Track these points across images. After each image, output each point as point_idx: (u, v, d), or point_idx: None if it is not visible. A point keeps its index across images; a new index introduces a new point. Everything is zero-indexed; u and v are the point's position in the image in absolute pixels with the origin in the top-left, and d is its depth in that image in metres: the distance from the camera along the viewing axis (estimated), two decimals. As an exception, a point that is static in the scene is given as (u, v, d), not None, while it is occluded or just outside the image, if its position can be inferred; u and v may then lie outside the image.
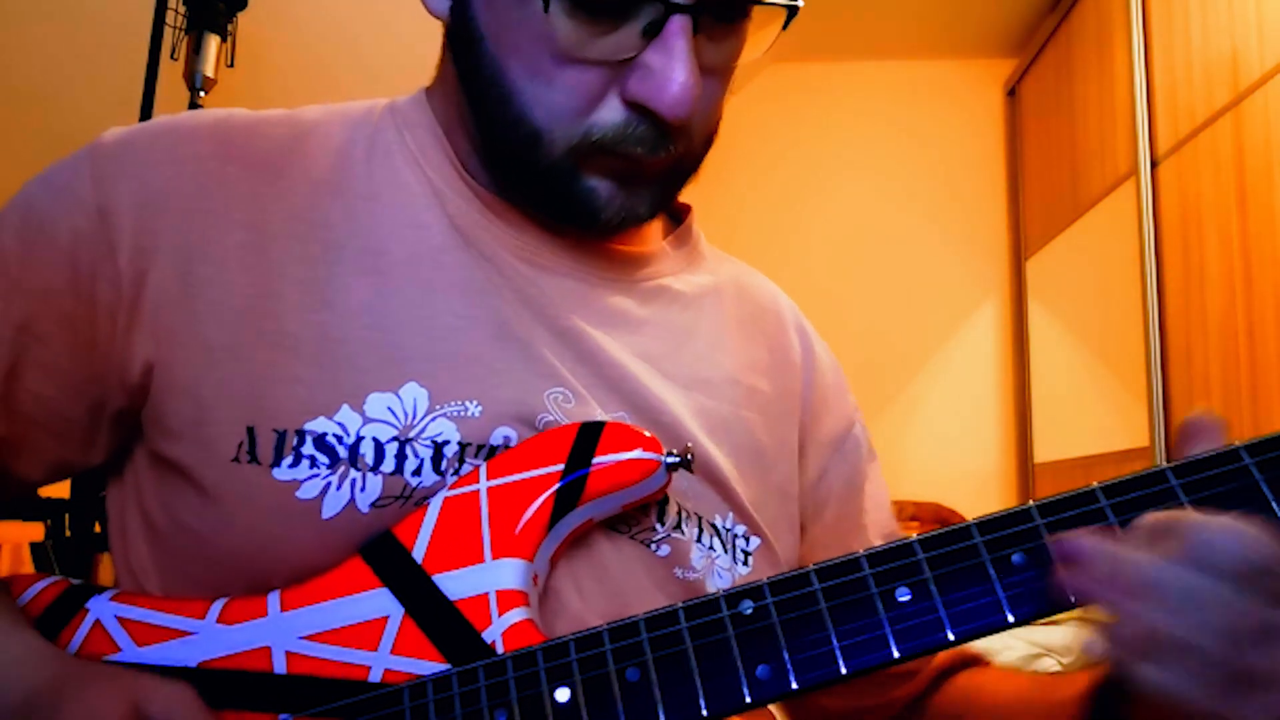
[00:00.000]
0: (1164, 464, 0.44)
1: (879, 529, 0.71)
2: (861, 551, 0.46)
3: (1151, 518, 0.42)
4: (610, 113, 0.52)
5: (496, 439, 0.53)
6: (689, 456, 0.53)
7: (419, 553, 0.49)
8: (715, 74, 0.55)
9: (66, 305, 0.53)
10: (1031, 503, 0.45)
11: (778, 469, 0.64)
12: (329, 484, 0.50)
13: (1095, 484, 0.45)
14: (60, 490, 2.00)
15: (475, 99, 0.56)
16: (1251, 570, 0.40)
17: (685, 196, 0.72)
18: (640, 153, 0.53)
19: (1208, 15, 2.21)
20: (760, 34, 0.56)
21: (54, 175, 0.55)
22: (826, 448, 0.69)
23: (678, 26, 0.50)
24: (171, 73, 2.00)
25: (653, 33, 0.50)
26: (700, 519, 0.58)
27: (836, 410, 0.71)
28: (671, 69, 0.50)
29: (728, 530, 0.59)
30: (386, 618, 0.49)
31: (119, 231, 0.53)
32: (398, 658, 0.48)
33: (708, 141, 0.58)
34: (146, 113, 1.95)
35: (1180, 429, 0.46)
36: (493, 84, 0.54)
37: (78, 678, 0.47)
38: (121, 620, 0.51)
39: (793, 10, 0.54)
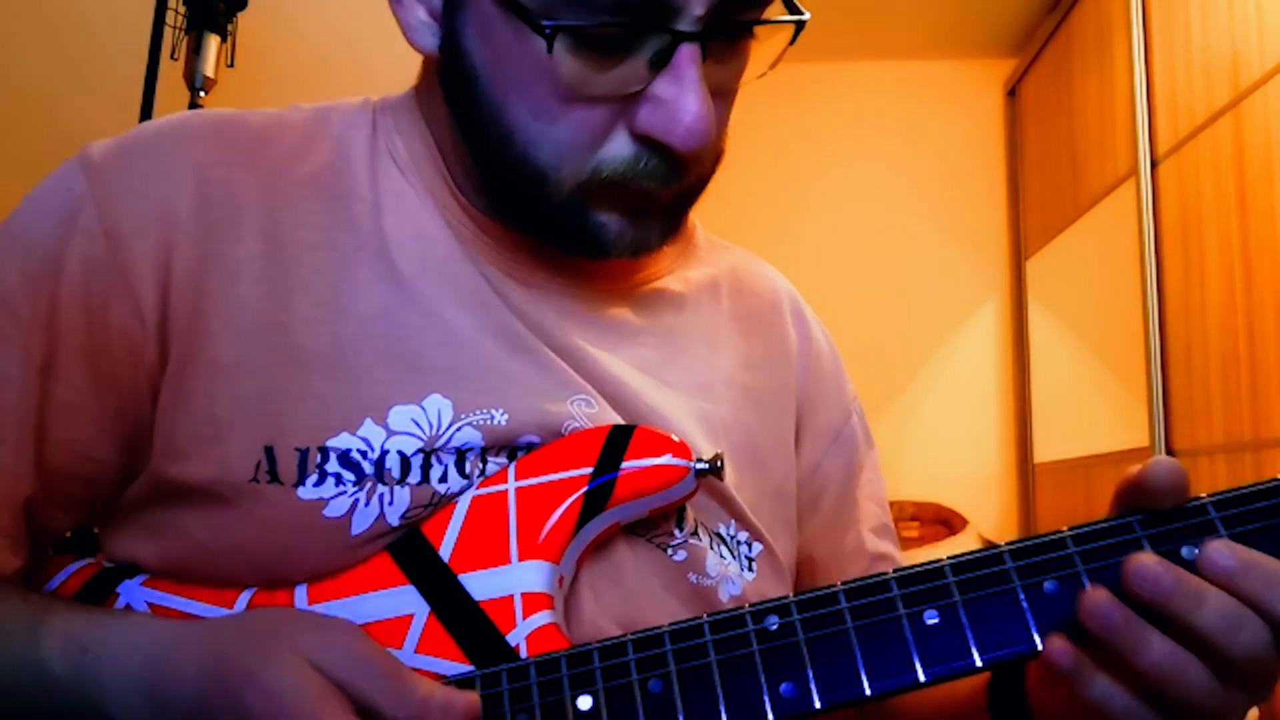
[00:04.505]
0: (1203, 497, 0.44)
1: (870, 521, 0.70)
2: (891, 572, 0.45)
3: (1230, 552, 0.42)
4: (619, 148, 0.51)
5: (521, 443, 0.53)
6: (719, 464, 0.52)
7: (446, 551, 0.49)
8: (722, 95, 0.53)
9: (83, 339, 0.51)
10: (1066, 530, 0.45)
11: (775, 469, 0.64)
12: (356, 501, 0.50)
13: (1132, 516, 0.44)
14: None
15: (473, 136, 0.54)
16: None
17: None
18: (652, 186, 0.51)
19: (1208, 15, 2.21)
20: (763, 49, 0.54)
21: (47, 200, 0.52)
22: (823, 438, 0.69)
23: (687, 55, 0.48)
24: (171, 73, 2.00)
25: (660, 63, 0.48)
26: (707, 528, 0.58)
27: (834, 400, 0.71)
28: (684, 100, 0.48)
29: (732, 538, 0.59)
30: (412, 615, 0.48)
31: (131, 254, 0.51)
32: (422, 656, 0.48)
33: (716, 162, 0.57)
34: (146, 113, 1.94)
35: (1142, 480, 0.44)
36: (492, 123, 0.52)
37: (240, 656, 0.42)
38: (152, 606, 0.51)
39: (800, 25, 0.53)
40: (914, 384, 3.30)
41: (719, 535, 0.58)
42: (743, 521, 0.60)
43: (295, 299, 0.52)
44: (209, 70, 2.02)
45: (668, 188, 0.52)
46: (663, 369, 0.60)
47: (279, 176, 0.55)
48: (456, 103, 0.55)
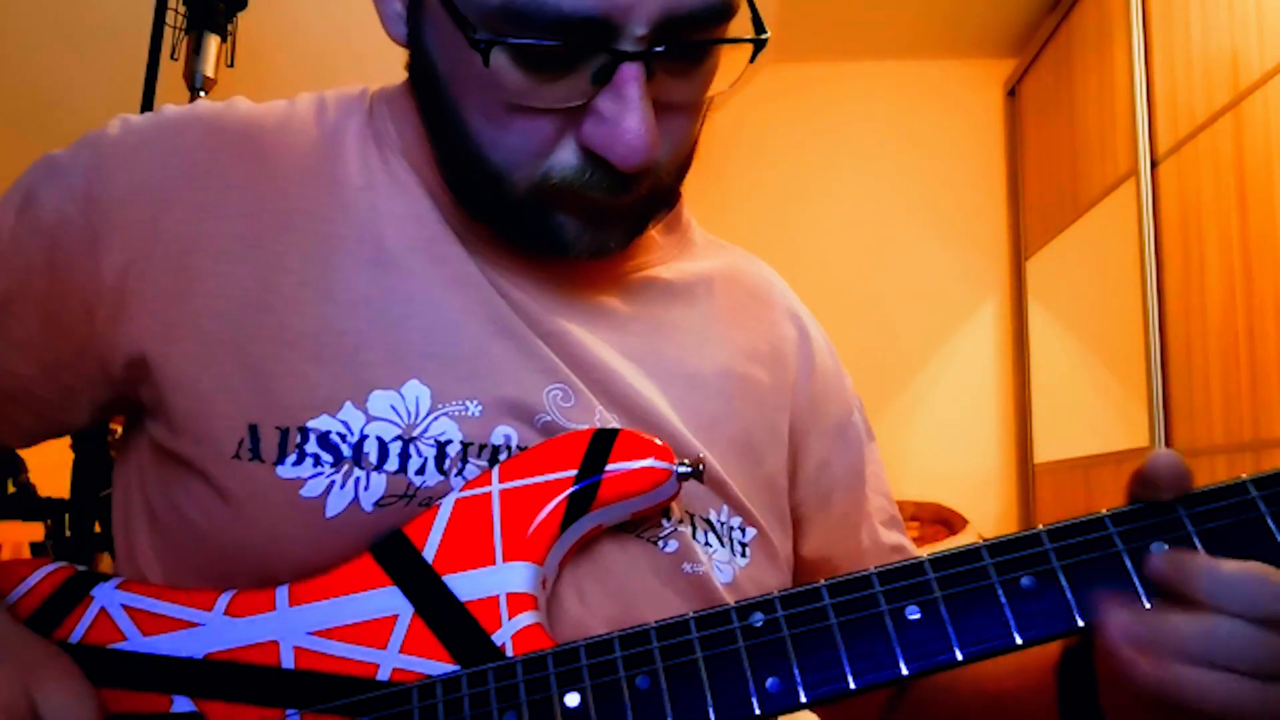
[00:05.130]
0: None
1: (881, 515, 0.71)
2: (873, 569, 0.46)
3: (1166, 562, 0.43)
4: (567, 155, 0.51)
5: (497, 438, 0.53)
6: (700, 467, 0.53)
7: (430, 553, 0.49)
8: (682, 110, 0.53)
9: (43, 286, 0.54)
10: (1041, 527, 0.46)
11: (768, 461, 0.64)
12: (333, 482, 0.50)
13: (1104, 511, 0.45)
14: (60, 490, 2.00)
15: (437, 132, 0.55)
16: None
17: (684, 194, 0.71)
18: (602, 196, 0.51)
19: (1208, 15, 2.21)
20: (741, 58, 0.54)
21: (56, 159, 0.56)
22: (829, 435, 0.69)
23: (629, 74, 0.47)
24: (171, 73, 2.00)
25: (603, 80, 0.48)
26: (693, 517, 0.58)
27: (836, 396, 0.70)
28: (624, 119, 0.48)
29: (723, 524, 0.59)
30: (396, 616, 0.49)
31: (105, 223, 0.53)
32: (407, 657, 0.48)
33: (680, 171, 0.57)
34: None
35: (1144, 474, 0.45)
36: (452, 122, 0.53)
37: None
38: (128, 609, 0.51)
39: (760, 44, 0.52)
40: (914, 384, 3.30)
41: (707, 522, 0.58)
42: (736, 507, 0.60)
43: (281, 279, 0.53)
44: (209, 70, 2.03)
45: (617, 198, 0.52)
46: (650, 357, 0.60)
47: (271, 160, 0.56)
48: (423, 99, 0.56)
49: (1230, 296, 2.10)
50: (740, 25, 0.53)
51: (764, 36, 0.52)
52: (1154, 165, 2.42)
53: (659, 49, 0.48)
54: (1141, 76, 2.45)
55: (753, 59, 0.53)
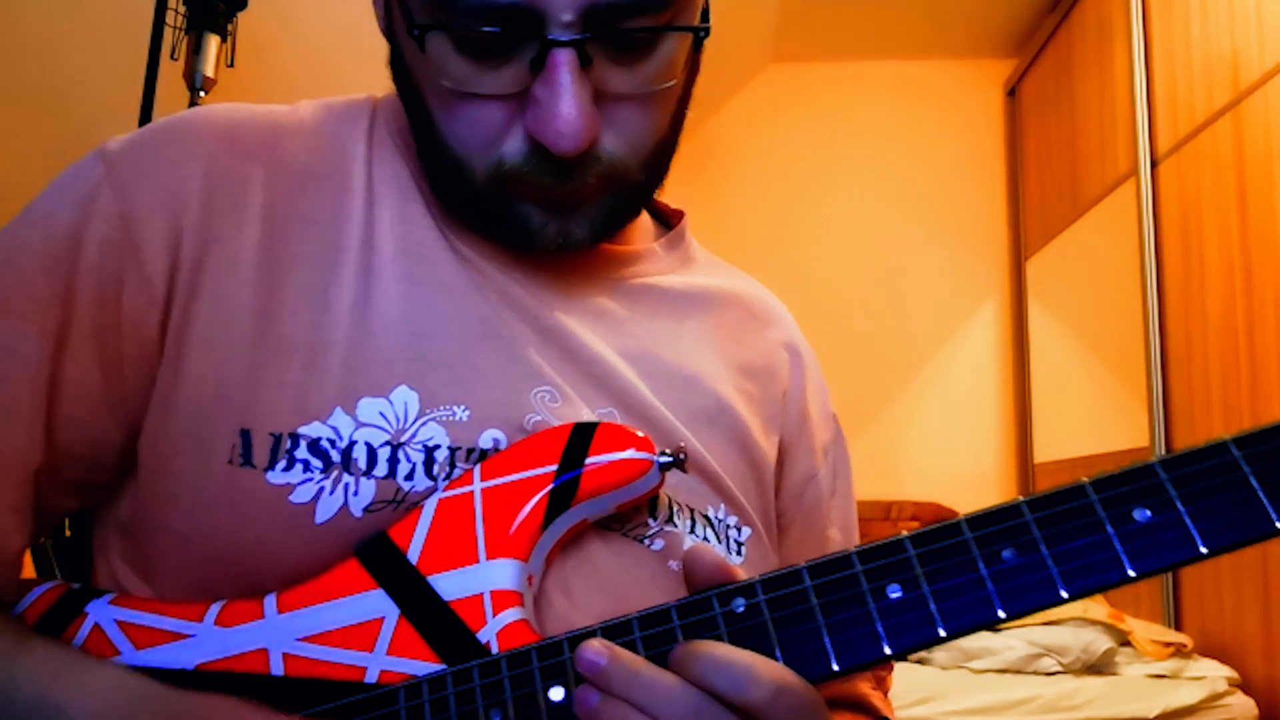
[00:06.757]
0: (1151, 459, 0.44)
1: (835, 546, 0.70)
2: (853, 549, 0.46)
3: (682, 647, 0.44)
4: (516, 143, 0.52)
5: (485, 442, 0.53)
6: (681, 456, 0.53)
7: (414, 554, 0.49)
8: (632, 100, 0.53)
9: (95, 319, 0.53)
10: (1021, 498, 0.45)
11: (762, 465, 0.64)
12: (322, 488, 0.50)
13: (1085, 479, 0.45)
14: (60, 490, 2.00)
15: (413, 122, 0.57)
16: (758, 701, 0.42)
17: (684, 193, 0.71)
18: (549, 184, 0.52)
19: (1208, 15, 2.21)
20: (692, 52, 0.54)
21: (68, 187, 0.55)
22: (815, 454, 0.69)
23: (559, 59, 0.49)
24: (171, 73, 2.00)
25: (538, 67, 0.49)
26: (693, 511, 0.58)
27: (824, 425, 0.70)
28: (555, 104, 0.49)
29: (720, 521, 0.59)
30: (382, 619, 0.49)
31: (144, 233, 0.53)
32: (394, 659, 0.48)
33: (649, 164, 0.56)
34: (146, 113, 1.95)
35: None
36: (420, 111, 0.55)
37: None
38: (120, 624, 0.51)
39: (700, 35, 0.53)
40: (914, 384, 3.30)
41: (706, 518, 0.58)
42: (732, 505, 0.60)
43: (284, 289, 0.53)
44: (209, 70, 2.03)
45: (564, 186, 0.53)
46: (645, 357, 0.60)
47: (281, 168, 0.56)
48: (399, 91, 0.58)
49: (1230, 296, 2.10)
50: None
51: (704, 26, 0.53)
52: (1154, 165, 2.42)
53: (586, 35, 0.49)
54: (1141, 76, 2.46)
55: (696, 50, 0.54)
